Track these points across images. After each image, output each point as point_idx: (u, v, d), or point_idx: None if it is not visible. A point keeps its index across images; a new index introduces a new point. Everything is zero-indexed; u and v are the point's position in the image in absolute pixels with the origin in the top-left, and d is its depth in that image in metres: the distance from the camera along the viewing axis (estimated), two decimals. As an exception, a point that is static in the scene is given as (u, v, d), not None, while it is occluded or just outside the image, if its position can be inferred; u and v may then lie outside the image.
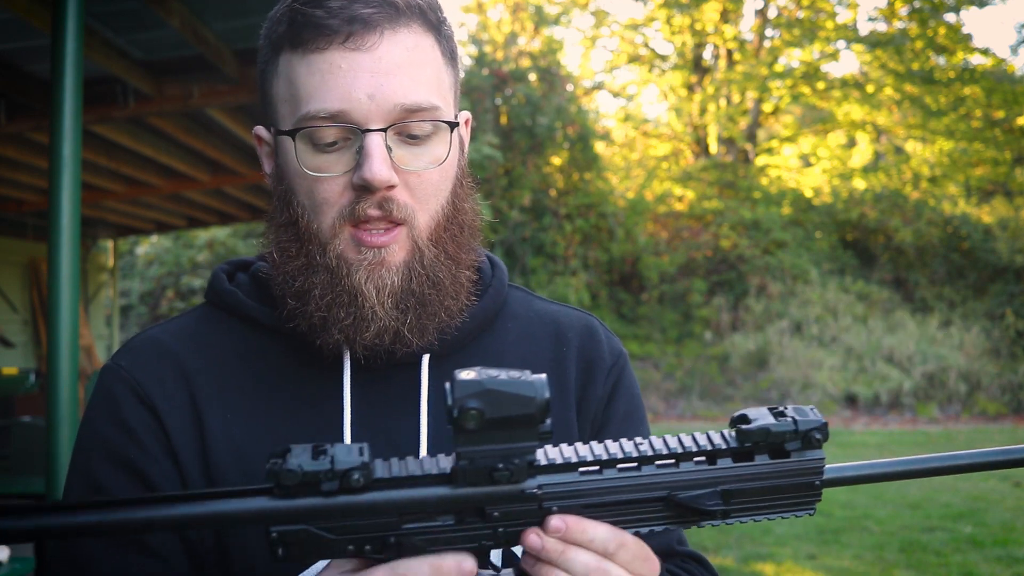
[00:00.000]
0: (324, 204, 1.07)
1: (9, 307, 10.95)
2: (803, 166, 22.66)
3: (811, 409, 0.93)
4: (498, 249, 16.09)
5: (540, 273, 16.38)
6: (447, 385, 0.84)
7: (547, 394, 0.84)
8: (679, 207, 19.73)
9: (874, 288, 17.52)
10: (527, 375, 0.85)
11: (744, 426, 0.91)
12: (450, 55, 1.15)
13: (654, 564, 0.92)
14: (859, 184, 20.38)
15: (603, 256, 17.23)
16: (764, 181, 20.86)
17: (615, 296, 17.41)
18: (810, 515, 0.95)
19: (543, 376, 0.85)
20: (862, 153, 22.78)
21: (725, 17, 21.27)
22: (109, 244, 13.14)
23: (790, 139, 22.57)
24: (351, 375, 1.15)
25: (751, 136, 21.48)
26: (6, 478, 5.32)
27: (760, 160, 22.04)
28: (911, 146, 21.88)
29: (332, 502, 0.83)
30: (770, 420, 0.92)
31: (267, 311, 1.18)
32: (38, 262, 11.09)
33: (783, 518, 0.94)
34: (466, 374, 0.84)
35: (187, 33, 4.62)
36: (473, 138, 14.06)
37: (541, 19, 18.23)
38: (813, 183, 21.02)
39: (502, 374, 0.84)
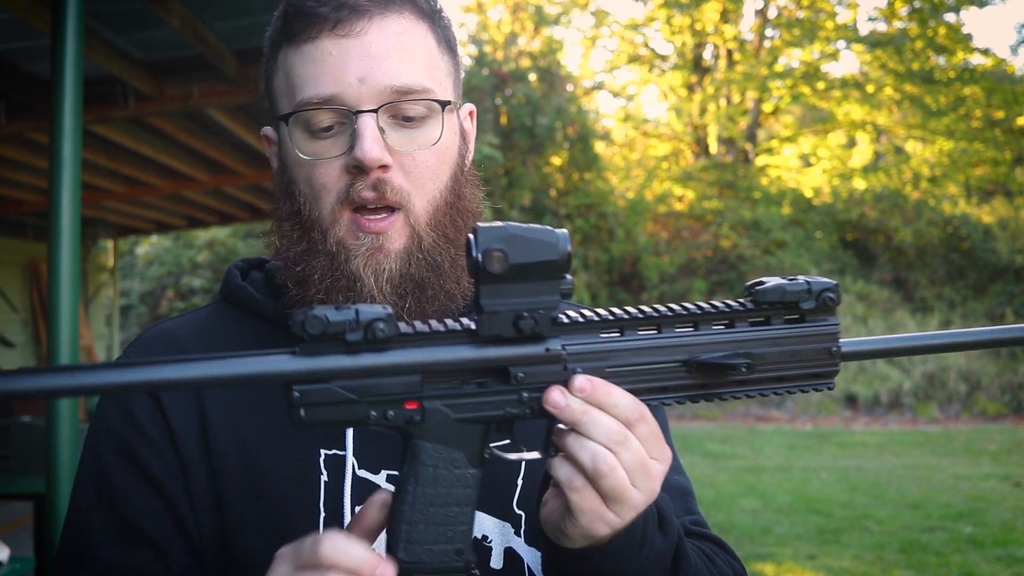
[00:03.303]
0: (322, 189, 1.09)
1: (9, 307, 10.95)
2: (803, 166, 22.67)
3: (821, 278, 0.95)
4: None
5: (540, 273, 16.37)
6: (470, 236, 0.85)
7: (568, 247, 0.86)
8: (679, 207, 19.73)
9: (874, 288, 17.53)
10: (548, 227, 0.86)
11: (759, 287, 0.93)
12: (447, 43, 1.17)
13: (666, 449, 0.93)
14: (859, 184, 20.38)
15: (603, 256, 17.23)
16: (764, 181, 20.87)
17: (615, 296, 17.40)
18: (829, 388, 0.96)
19: (564, 230, 0.86)
20: (862, 153, 22.78)
21: (725, 17, 21.27)
22: (109, 244, 13.14)
23: (790, 139, 22.57)
24: None
25: (751, 136, 21.48)
26: (6, 478, 5.32)
27: (760, 160, 22.05)
28: (911, 146, 21.88)
29: (355, 360, 0.82)
30: (784, 282, 0.94)
31: (275, 305, 1.19)
32: (38, 262, 11.08)
33: (803, 391, 0.96)
34: (488, 224, 0.85)
35: (187, 33, 4.62)
36: (474, 137, 13.97)
37: (541, 19, 18.23)
38: (813, 183, 21.03)
39: (524, 224, 0.85)
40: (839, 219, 18.93)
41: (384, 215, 1.09)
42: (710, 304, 0.93)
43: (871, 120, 21.19)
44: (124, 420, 1.14)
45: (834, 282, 0.94)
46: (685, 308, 0.93)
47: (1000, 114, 19.59)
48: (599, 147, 19.37)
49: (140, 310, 18.52)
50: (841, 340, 0.96)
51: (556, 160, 17.34)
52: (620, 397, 0.88)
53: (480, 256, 0.83)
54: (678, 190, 20.21)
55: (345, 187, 1.08)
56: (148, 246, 19.06)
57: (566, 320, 0.89)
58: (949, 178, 20.18)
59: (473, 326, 0.86)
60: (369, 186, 1.07)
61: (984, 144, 19.70)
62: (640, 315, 0.91)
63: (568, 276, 0.86)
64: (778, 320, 0.94)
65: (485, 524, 1.12)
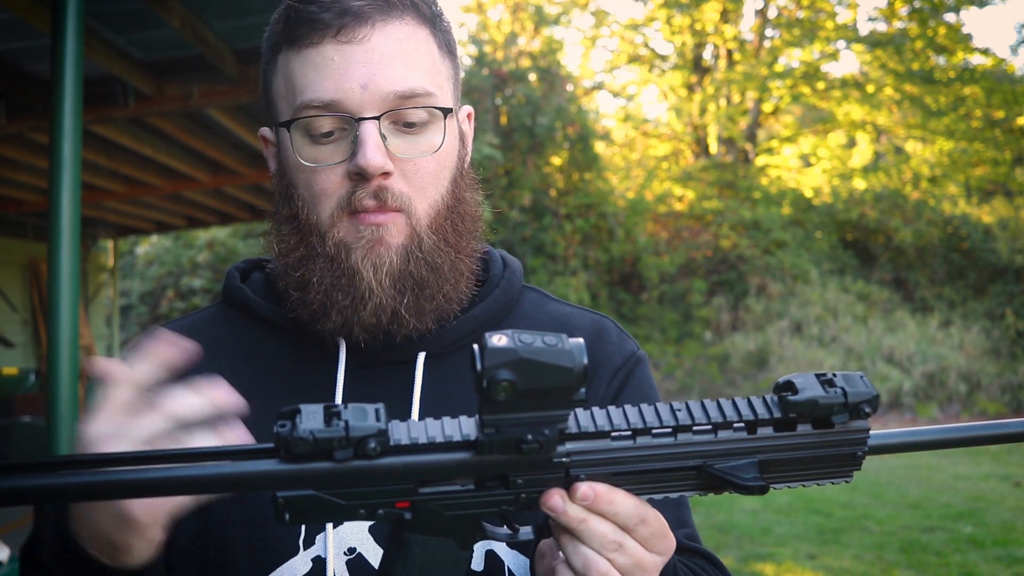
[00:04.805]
0: (322, 195, 1.09)
1: (9, 307, 10.95)
2: (803, 166, 22.67)
3: (861, 377, 0.87)
4: (498, 249, 16.02)
5: (540, 273, 16.37)
6: (475, 348, 0.77)
7: (585, 360, 0.77)
8: (679, 207, 19.73)
9: (874, 288, 17.52)
10: (564, 340, 0.77)
11: (791, 396, 0.85)
12: (447, 48, 1.16)
13: (671, 541, 0.90)
14: (859, 184, 20.38)
15: (603, 256, 17.23)
16: (764, 181, 20.87)
17: (615, 296, 17.40)
18: (847, 482, 0.90)
19: (580, 341, 0.78)
20: (862, 153, 22.78)
21: (725, 17, 21.27)
22: (109, 244, 13.13)
23: (790, 139, 22.57)
24: (346, 371, 1.16)
25: (751, 136, 21.48)
26: (6, 478, 5.31)
27: (760, 160, 22.04)
28: (911, 146, 21.88)
29: (343, 467, 0.77)
30: (819, 391, 0.85)
31: (272, 307, 1.19)
32: (38, 262, 11.08)
33: (819, 485, 0.90)
34: (498, 339, 0.76)
35: (187, 33, 4.61)
36: (473, 138, 14.01)
37: (541, 19, 18.23)
38: (813, 183, 21.03)
39: (537, 340, 0.76)
40: (839, 219, 18.93)
41: (384, 212, 1.09)
42: (734, 406, 0.86)
43: (871, 120, 21.19)
44: None
45: (874, 392, 0.85)
46: (706, 412, 0.85)
47: (1000, 114, 19.58)
48: (599, 147, 19.37)
49: (140, 310, 18.51)
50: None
51: (556, 160, 17.34)
52: (622, 504, 0.85)
53: (485, 382, 0.75)
54: (678, 190, 20.21)
55: (347, 194, 1.08)
56: (148, 246, 19.06)
57: (575, 429, 0.83)
58: (949, 178, 20.18)
59: (473, 434, 0.81)
60: (371, 194, 1.07)
61: (984, 144, 19.70)
62: (656, 421, 0.84)
63: (582, 390, 0.78)
64: (804, 425, 0.86)
65: None
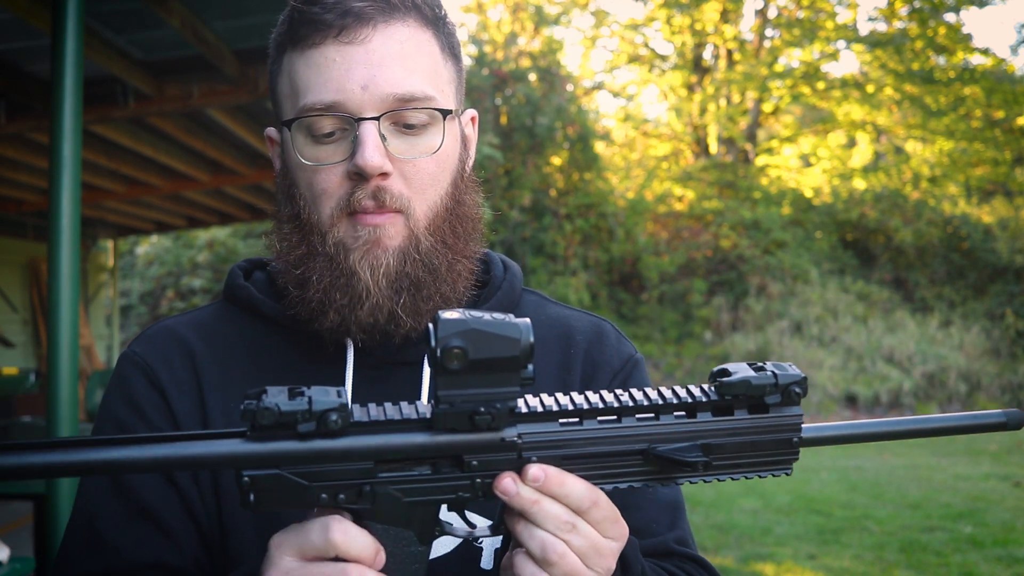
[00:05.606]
0: (323, 195, 1.10)
1: (9, 307, 10.95)
2: (803, 166, 22.67)
3: (790, 365, 0.94)
4: (498, 249, 16.05)
5: (540, 273, 16.37)
6: (430, 325, 0.83)
7: (531, 338, 0.84)
8: (679, 207, 19.74)
9: (874, 288, 17.53)
10: (511, 317, 0.84)
11: (724, 379, 0.92)
12: (450, 50, 1.17)
13: (623, 527, 0.92)
14: (859, 184, 20.39)
15: (603, 256, 17.23)
16: (764, 181, 20.87)
17: (615, 296, 17.40)
18: (787, 475, 0.96)
19: (527, 320, 0.85)
20: (862, 153, 22.78)
21: (725, 17, 21.28)
22: (109, 244, 13.13)
23: (790, 139, 22.57)
24: (353, 372, 1.16)
25: (751, 136, 21.48)
26: (6, 478, 5.30)
27: (760, 160, 22.05)
28: (911, 146, 21.88)
29: (306, 446, 0.82)
30: (750, 373, 0.92)
31: (276, 306, 1.20)
32: (38, 262, 11.09)
33: (760, 477, 0.96)
34: (450, 314, 0.83)
35: (187, 33, 4.62)
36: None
37: (541, 19, 18.23)
38: (813, 183, 21.04)
39: (486, 315, 0.83)
40: (839, 219, 18.93)
41: (383, 213, 1.10)
42: (673, 392, 0.92)
43: (871, 120, 21.19)
44: (127, 406, 1.16)
45: (801, 375, 0.93)
46: (647, 396, 0.91)
47: (1000, 114, 19.59)
48: (599, 147, 19.38)
49: (140, 310, 18.52)
50: (803, 426, 0.94)
51: (556, 160, 17.34)
52: (572, 486, 0.88)
53: (439, 351, 0.81)
54: (678, 190, 20.22)
55: (346, 194, 1.09)
56: (148, 246, 19.06)
57: (525, 410, 0.88)
58: (949, 178, 20.19)
59: (428, 413, 0.86)
60: (369, 194, 1.08)
61: (984, 144, 19.71)
62: (600, 404, 0.90)
63: (530, 367, 0.85)
64: (741, 410, 0.93)
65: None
